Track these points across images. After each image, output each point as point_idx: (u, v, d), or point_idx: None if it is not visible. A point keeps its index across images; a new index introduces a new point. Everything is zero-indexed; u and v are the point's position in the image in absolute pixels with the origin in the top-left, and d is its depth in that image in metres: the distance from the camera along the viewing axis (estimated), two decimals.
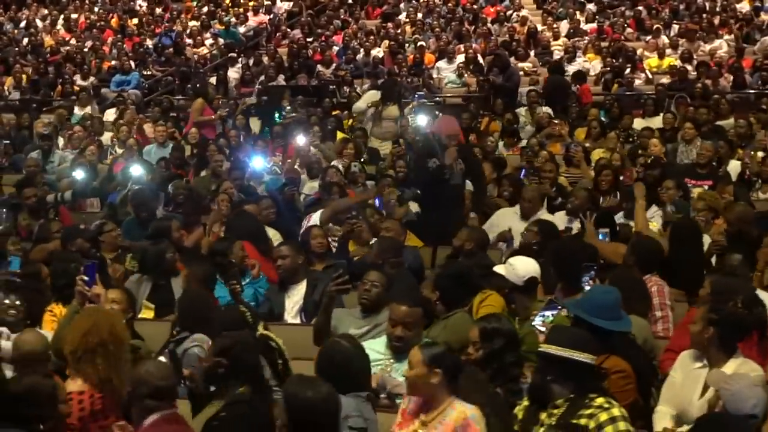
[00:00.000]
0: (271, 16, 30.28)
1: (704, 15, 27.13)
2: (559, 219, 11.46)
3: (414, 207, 12.69)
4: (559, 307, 7.62)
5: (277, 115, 19.48)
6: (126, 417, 6.15)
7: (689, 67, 23.35)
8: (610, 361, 6.55)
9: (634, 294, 7.45)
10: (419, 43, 26.47)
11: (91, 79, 25.20)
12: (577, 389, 5.93)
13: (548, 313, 7.54)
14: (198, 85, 21.57)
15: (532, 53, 25.59)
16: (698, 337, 6.73)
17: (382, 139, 16.99)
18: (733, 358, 6.67)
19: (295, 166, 15.62)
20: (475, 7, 29.44)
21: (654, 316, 8.54)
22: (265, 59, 26.33)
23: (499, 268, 8.10)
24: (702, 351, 6.74)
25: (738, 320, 6.81)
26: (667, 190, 11.70)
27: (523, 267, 8.04)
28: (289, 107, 19.71)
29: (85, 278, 7.68)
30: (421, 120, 15.56)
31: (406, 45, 26.96)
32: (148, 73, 26.19)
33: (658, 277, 8.81)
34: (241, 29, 29.22)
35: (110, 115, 20.99)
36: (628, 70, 23.88)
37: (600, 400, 5.90)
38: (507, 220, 11.68)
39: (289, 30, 29.17)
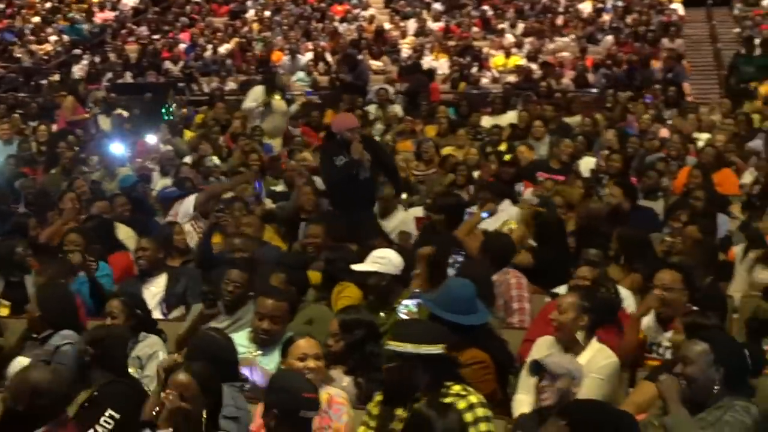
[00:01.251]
0: (117, 12, 29.93)
1: (548, 15, 27.67)
2: (415, 215, 11.60)
3: (267, 202, 12.75)
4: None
5: (163, 111, 19.23)
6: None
7: (534, 66, 23.80)
8: (469, 352, 6.62)
9: (479, 287, 7.52)
10: (267, 41, 26.50)
11: None
12: (432, 380, 5.93)
13: (410, 302, 7.59)
14: (68, 82, 21.17)
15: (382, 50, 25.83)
16: (572, 325, 6.87)
17: (272, 136, 17.04)
18: (591, 344, 6.86)
19: (147, 164, 15.49)
20: (323, 5, 29.52)
21: (511, 308, 8.68)
22: (112, 56, 26.05)
23: (369, 265, 8.09)
24: (567, 340, 6.87)
25: (611, 305, 6.98)
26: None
27: (396, 257, 8.12)
28: (175, 104, 19.50)
29: None
30: None
31: (254, 43, 26.96)
32: None
33: (516, 270, 8.96)
34: (86, 26, 28.81)
35: None
36: (475, 69, 24.23)
37: (457, 388, 5.93)
38: None
39: (135, 27, 28.89)
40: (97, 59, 25.89)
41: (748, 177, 13.29)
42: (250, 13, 29.37)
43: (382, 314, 7.80)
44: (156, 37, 27.73)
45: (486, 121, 18.04)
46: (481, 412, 5.86)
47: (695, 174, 12.25)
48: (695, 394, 5.58)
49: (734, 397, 5.56)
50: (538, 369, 6.20)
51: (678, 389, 5.59)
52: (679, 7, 28.12)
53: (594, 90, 22.77)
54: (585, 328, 6.86)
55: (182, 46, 26.85)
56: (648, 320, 7.45)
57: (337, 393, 6.34)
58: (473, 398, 5.90)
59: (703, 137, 16.03)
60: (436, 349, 5.95)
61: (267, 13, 29.12)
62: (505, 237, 9.52)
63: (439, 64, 24.98)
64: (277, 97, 17.83)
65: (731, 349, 5.75)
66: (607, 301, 7.20)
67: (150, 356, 7.40)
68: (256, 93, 17.92)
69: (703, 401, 5.56)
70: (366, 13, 28.76)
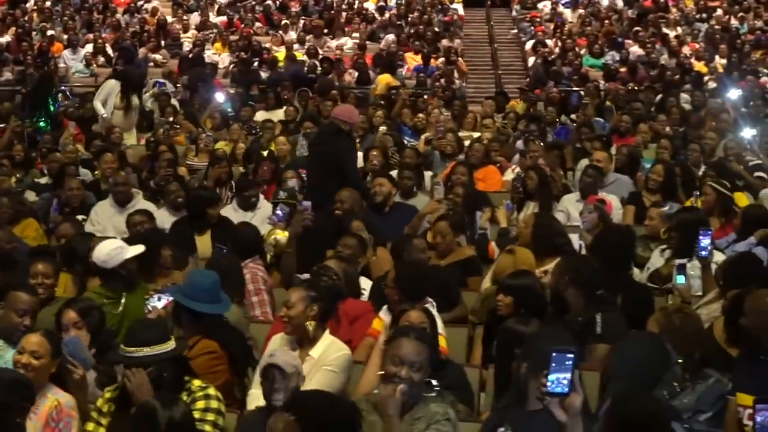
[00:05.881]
0: None
1: (332, 12, 27.85)
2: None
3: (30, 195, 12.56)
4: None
5: (51, 102, 18.60)
6: None
7: (315, 62, 23.95)
8: (201, 343, 6.73)
9: (227, 278, 7.59)
10: (48, 32, 26.04)
11: None
12: (174, 378, 6.00)
13: (156, 298, 7.51)
14: None
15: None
16: (302, 318, 6.88)
17: (128, 130, 16.86)
18: (323, 336, 6.91)
19: None
20: None
21: (251, 302, 8.69)
22: None
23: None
24: (301, 334, 6.92)
25: (335, 290, 7.08)
26: None
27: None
28: (60, 95, 18.87)
29: None
30: None
31: (34, 33, 26.44)
32: None
33: (257, 263, 9.02)
34: None
35: None
36: (255, 64, 24.25)
37: (197, 383, 6.08)
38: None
39: None
40: None
41: (510, 174, 13.62)
42: (31, 3, 28.74)
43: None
44: None
45: (260, 116, 18.09)
46: (214, 404, 5.99)
47: (461, 171, 12.31)
48: (412, 398, 5.62)
49: (427, 398, 5.65)
50: (272, 369, 6.21)
51: (395, 401, 5.53)
52: (459, 7, 28.66)
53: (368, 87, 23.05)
54: (316, 317, 6.90)
55: None
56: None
57: (67, 402, 6.23)
58: (211, 390, 6.06)
59: (474, 135, 16.34)
60: (168, 347, 6.04)
61: (48, 3, 28.55)
62: (252, 229, 9.55)
63: (220, 58, 24.95)
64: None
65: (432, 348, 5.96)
66: (331, 287, 7.28)
67: None
68: (111, 86, 17.54)
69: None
70: (149, 6, 28.46)
